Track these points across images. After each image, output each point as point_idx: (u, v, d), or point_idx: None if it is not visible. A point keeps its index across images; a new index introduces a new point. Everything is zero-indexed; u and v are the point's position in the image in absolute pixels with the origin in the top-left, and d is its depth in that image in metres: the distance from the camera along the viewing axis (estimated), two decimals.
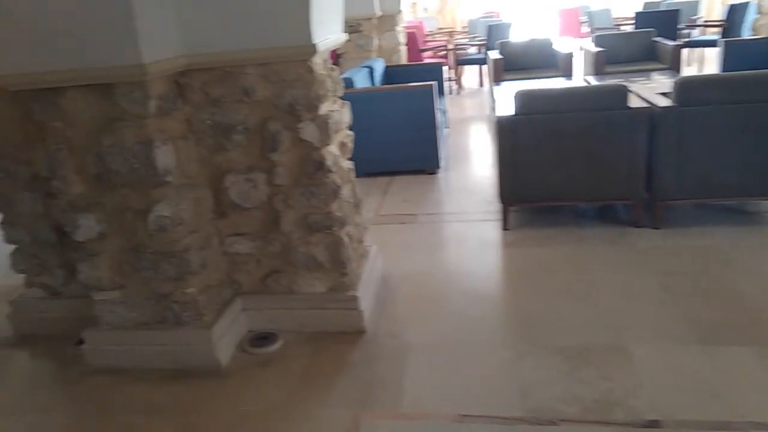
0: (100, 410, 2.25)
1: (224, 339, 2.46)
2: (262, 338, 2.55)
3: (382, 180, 4.71)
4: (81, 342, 2.52)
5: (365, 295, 2.66)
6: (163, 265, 2.34)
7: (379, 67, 5.70)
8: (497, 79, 6.08)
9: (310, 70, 2.29)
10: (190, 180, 2.39)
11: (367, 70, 5.30)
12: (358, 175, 2.84)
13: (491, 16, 11.29)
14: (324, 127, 2.38)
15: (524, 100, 3.31)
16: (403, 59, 7.58)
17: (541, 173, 3.36)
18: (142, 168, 2.20)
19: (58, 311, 2.79)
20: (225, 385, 2.30)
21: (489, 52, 6.81)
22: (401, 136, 4.66)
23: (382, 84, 5.67)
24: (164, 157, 2.22)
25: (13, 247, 2.77)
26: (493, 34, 8.00)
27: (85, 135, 2.22)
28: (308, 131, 2.37)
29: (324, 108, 2.41)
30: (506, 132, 3.33)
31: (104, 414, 2.22)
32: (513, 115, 3.32)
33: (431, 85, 4.54)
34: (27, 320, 2.84)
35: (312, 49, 2.23)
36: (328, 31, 2.44)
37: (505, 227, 3.53)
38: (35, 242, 2.73)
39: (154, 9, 2.08)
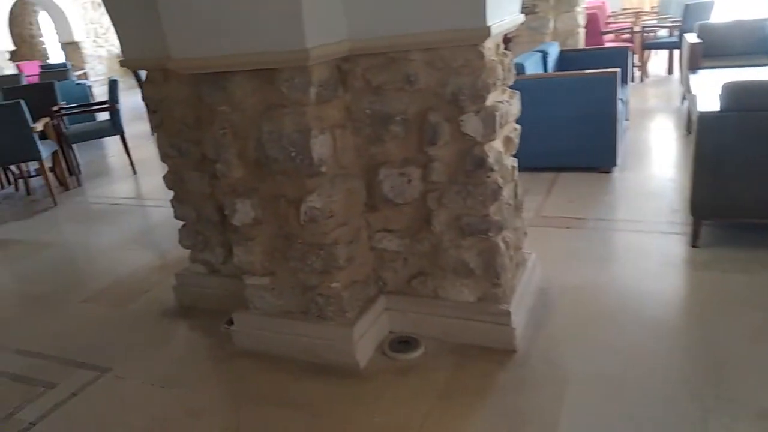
0: (238, 394, 2.27)
1: (365, 338, 2.35)
2: (404, 342, 2.40)
3: (546, 176, 4.31)
4: (231, 322, 2.57)
5: (519, 309, 2.38)
6: (310, 257, 2.28)
7: (553, 51, 5.23)
8: (694, 66, 5.26)
9: (481, 56, 2.05)
10: (344, 170, 2.29)
11: (539, 54, 4.88)
12: (519, 170, 2.55)
13: None
14: (489, 120, 2.13)
15: (735, 93, 2.73)
16: (581, 43, 6.94)
17: (751, 183, 2.77)
18: (298, 156, 2.14)
19: (215, 287, 2.91)
20: (361, 389, 2.19)
21: (685, 35, 5.93)
22: (573, 128, 4.20)
23: (556, 70, 5.19)
24: (320, 146, 2.13)
25: (181, 222, 2.92)
26: (691, 14, 6.99)
27: (248, 120, 2.21)
28: (471, 124, 2.14)
29: (491, 99, 2.16)
30: (709, 131, 2.79)
31: (241, 399, 2.23)
32: (719, 112, 2.76)
33: (615, 72, 4.01)
34: (188, 293, 3.00)
35: (485, 33, 1.98)
36: (504, 12, 2.16)
37: (695, 244, 2.99)
38: (200, 220, 2.85)
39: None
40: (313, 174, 2.16)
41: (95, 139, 6.05)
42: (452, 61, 2.08)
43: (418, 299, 2.44)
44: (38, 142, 4.85)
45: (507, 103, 2.30)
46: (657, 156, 4.73)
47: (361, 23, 2.12)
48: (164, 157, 2.81)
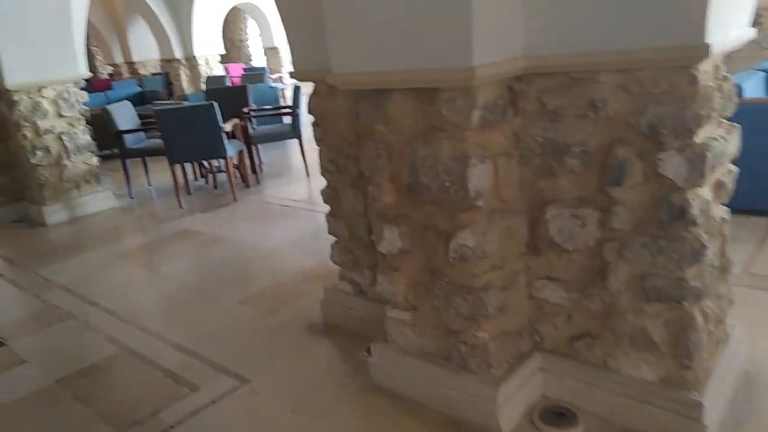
0: None
1: (512, 401, 2.03)
2: (558, 414, 2.03)
3: (760, 222, 3.53)
4: (369, 351, 2.42)
5: (715, 400, 1.88)
6: (456, 299, 2.02)
7: None
8: None
9: (692, 81, 1.62)
10: (505, 205, 2.00)
11: (762, 75, 4.05)
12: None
13: None
14: (697, 161, 1.68)
15: None
16: None
17: None
18: (452, 187, 1.89)
19: (360, 310, 2.79)
20: None
21: None
22: None
23: None
24: (479, 178, 1.87)
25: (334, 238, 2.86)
26: None
27: (404, 142, 2.02)
28: (672, 164, 1.71)
29: (702, 134, 1.71)
30: None
31: None
32: None
33: None
34: (334, 311, 2.93)
35: (702, 52, 1.55)
36: (729, 25, 1.70)
37: None
38: (351, 238, 2.75)
39: (497, 3, 1.72)
40: (468, 207, 1.90)
41: (277, 141, 6.41)
42: (653, 86, 1.68)
43: (581, 365, 2.05)
44: (226, 142, 5.24)
45: (722, 140, 1.82)
46: None
47: (540, 38, 1.82)
48: (323, 171, 2.76)
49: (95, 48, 16.06)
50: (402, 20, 1.82)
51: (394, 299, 2.25)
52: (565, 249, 1.99)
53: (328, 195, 2.79)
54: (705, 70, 1.66)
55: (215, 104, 5.09)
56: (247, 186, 5.93)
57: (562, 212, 1.96)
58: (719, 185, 1.92)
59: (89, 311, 3.44)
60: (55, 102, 5.32)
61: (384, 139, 2.08)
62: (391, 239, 2.16)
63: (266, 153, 7.05)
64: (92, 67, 16.52)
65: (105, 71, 15.88)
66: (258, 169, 6.37)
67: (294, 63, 2.64)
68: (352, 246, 2.77)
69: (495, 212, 1.97)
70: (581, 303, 2.02)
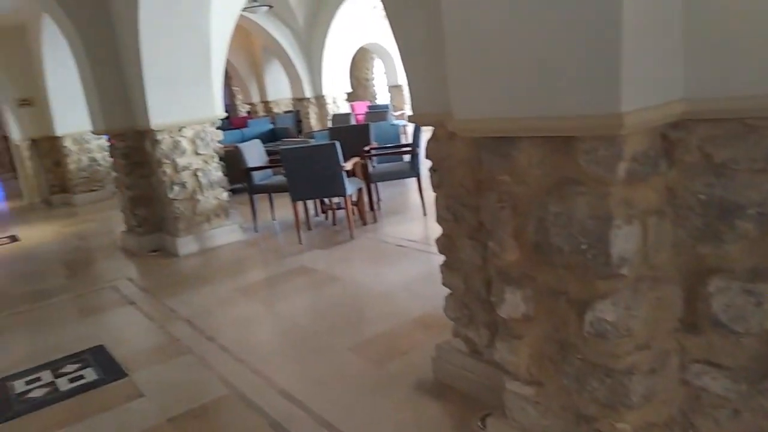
0: None
1: None
2: None
3: None
4: (486, 419, 2.16)
5: None
6: (592, 381, 1.72)
7: None
8: None
9: None
10: (654, 272, 1.68)
11: None
12: None
13: None
14: None
15: None
16: None
17: None
18: (590, 250, 1.62)
19: (475, 372, 2.54)
20: None
21: None
22: None
23: None
24: (624, 241, 1.58)
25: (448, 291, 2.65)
26: None
27: (531, 195, 1.78)
28: None
29: None
30: None
31: None
32: None
33: None
34: (446, 370, 2.69)
35: None
36: None
37: None
38: (468, 292, 2.52)
39: (651, 39, 1.45)
40: (609, 276, 1.61)
41: (395, 179, 6.37)
42: None
43: None
44: (346, 180, 5.26)
45: None
46: None
47: (705, 76, 1.52)
48: (439, 219, 2.58)
49: (236, 88, 17.46)
50: (534, 61, 1.61)
51: (514, 370, 1.98)
52: (733, 330, 1.61)
53: (443, 244, 2.60)
54: None
55: (337, 144, 5.14)
56: (365, 224, 5.91)
57: (730, 286, 1.60)
58: None
59: (206, 347, 3.50)
60: (192, 141, 5.69)
61: (508, 190, 1.86)
62: (513, 303, 1.91)
63: (385, 191, 7.04)
64: (233, 106, 18.01)
65: (243, 109, 17.16)
66: (376, 207, 6.35)
67: (413, 106, 2.51)
68: (469, 301, 2.54)
69: (642, 281, 1.66)
70: (753, 398, 1.63)
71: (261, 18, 10.97)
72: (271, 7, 10.33)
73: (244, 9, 9.25)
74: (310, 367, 3.09)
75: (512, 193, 1.85)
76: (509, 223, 1.87)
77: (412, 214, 6.21)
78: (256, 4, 9.73)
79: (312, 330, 3.61)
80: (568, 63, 1.53)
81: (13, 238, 7.89)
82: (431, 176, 2.58)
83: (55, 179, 10.30)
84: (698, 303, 1.68)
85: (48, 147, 10.14)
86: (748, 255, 1.57)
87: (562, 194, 1.67)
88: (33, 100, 9.96)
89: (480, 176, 2.18)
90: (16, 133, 10.41)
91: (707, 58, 1.50)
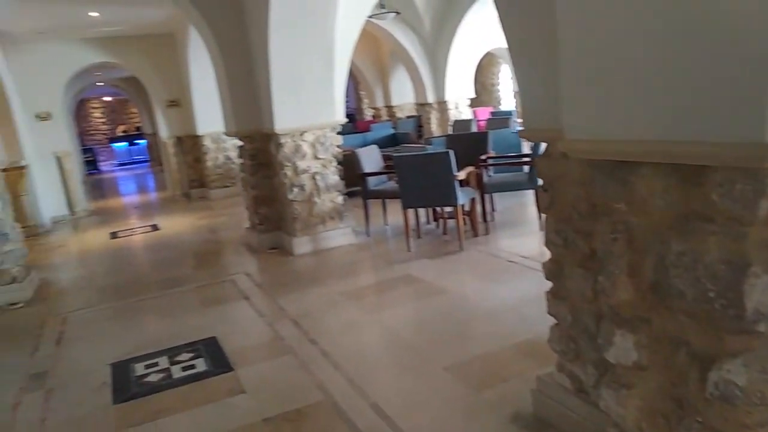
0: None
1: None
2: None
3: None
4: None
5: None
6: None
7: None
8: None
9: None
10: None
11: None
12: None
13: None
14: None
15: None
16: None
17: None
18: (719, 299, 1.38)
19: (579, 412, 2.31)
20: None
21: None
22: None
23: None
24: (761, 293, 1.32)
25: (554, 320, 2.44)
26: None
27: (651, 229, 1.57)
28: None
29: None
30: None
31: None
32: None
33: None
34: (547, 405, 2.49)
35: None
36: None
37: None
38: (575, 325, 2.31)
39: None
40: (741, 331, 1.36)
41: (511, 191, 6.13)
42: None
43: None
44: (457, 190, 5.14)
45: None
46: None
47: None
48: (548, 243, 2.39)
49: (363, 93, 17.94)
50: (664, 76, 1.40)
51: (622, 423, 1.76)
52: None
53: (551, 270, 2.40)
54: None
55: (450, 153, 5.04)
56: (476, 235, 5.74)
57: None
58: None
59: (308, 350, 3.57)
60: (313, 145, 5.88)
61: (624, 220, 1.65)
62: (623, 348, 1.69)
63: (501, 201, 6.80)
64: (359, 110, 18.52)
65: (369, 114, 17.58)
66: (489, 219, 6.15)
67: (525, 119, 2.35)
68: (576, 334, 2.32)
69: None
70: None
71: (389, 24, 11.13)
72: (398, 13, 10.45)
73: (372, 15, 9.45)
74: (406, 383, 3.02)
75: (629, 223, 1.64)
76: (623, 257, 1.66)
77: (528, 228, 5.93)
78: (384, 10, 9.88)
79: (412, 343, 3.54)
80: (706, 80, 1.31)
81: (155, 227, 8.70)
82: (542, 197, 2.40)
83: (194, 174, 11.23)
84: None
85: (190, 145, 11.10)
86: None
87: (689, 231, 1.44)
88: (179, 102, 10.95)
89: (594, 200, 1.98)
90: (164, 131, 11.51)
91: None
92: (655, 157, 1.48)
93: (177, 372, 3.46)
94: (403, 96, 15.01)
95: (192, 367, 3.49)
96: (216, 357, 3.60)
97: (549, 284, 2.45)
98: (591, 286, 2.16)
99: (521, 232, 5.82)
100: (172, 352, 3.76)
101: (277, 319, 4.20)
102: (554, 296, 2.41)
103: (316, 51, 5.62)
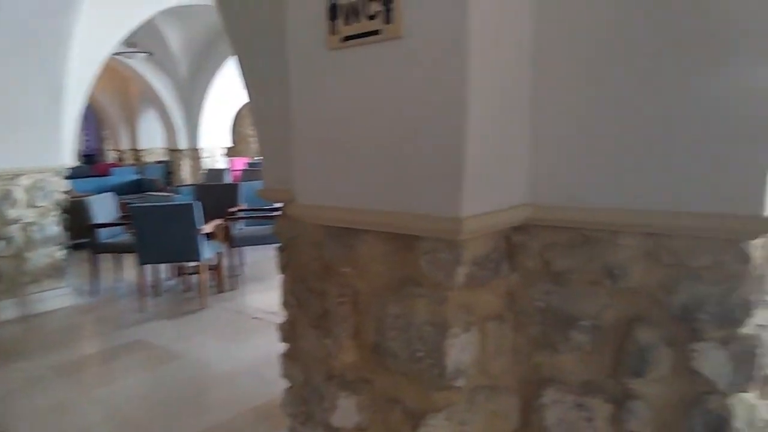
0: None
1: None
2: None
3: None
4: None
5: None
6: None
7: None
8: None
9: (743, 258, 1.26)
10: (492, 381, 1.57)
11: None
12: None
13: None
14: (746, 359, 1.29)
15: None
16: None
17: None
18: (426, 359, 1.48)
19: None
20: None
21: None
22: None
23: None
24: (460, 350, 1.46)
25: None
26: None
27: (374, 292, 1.63)
28: (710, 361, 1.31)
29: (753, 323, 1.32)
30: None
31: None
32: None
33: None
34: None
35: (760, 226, 1.20)
36: None
37: None
38: (307, 386, 2.28)
39: (497, 143, 1.40)
40: (443, 387, 1.47)
41: (261, 244, 6.07)
42: (690, 258, 1.32)
43: None
44: (202, 244, 4.88)
45: None
46: None
47: (548, 185, 1.48)
48: (284, 303, 2.36)
49: (106, 132, 16.30)
50: (380, 150, 1.49)
51: None
52: None
53: (286, 331, 2.37)
54: (758, 244, 1.30)
55: (196, 204, 4.79)
56: (222, 291, 5.50)
57: (564, 398, 1.53)
58: (767, 382, 1.50)
59: None
60: (29, 191, 5.02)
61: (350, 283, 1.70)
62: (346, 410, 1.71)
63: (251, 255, 6.67)
64: (101, 152, 16.72)
65: (112, 156, 16.00)
66: (237, 273, 5.97)
67: (263, 179, 2.32)
68: (307, 396, 2.29)
69: (479, 391, 1.54)
70: None
71: (139, 63, 10.42)
72: (151, 54, 9.88)
73: (120, 53, 8.74)
74: None
75: (354, 287, 1.69)
76: (348, 320, 1.70)
77: (276, 282, 5.87)
78: (133, 49, 9.23)
79: (138, 421, 3.13)
80: (414, 158, 1.43)
81: None
82: (279, 256, 2.37)
83: None
84: (532, 415, 1.59)
85: None
86: (581, 367, 1.51)
87: (403, 295, 1.54)
88: None
89: (326, 262, 2.02)
90: None
91: (550, 167, 1.48)
92: (374, 226, 1.56)
93: None
94: (152, 140, 14.07)
95: None
96: None
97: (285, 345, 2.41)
98: (324, 346, 2.17)
99: (269, 287, 5.74)
100: None
101: None
102: (288, 358, 2.36)
103: (41, 86, 4.89)
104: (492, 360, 1.56)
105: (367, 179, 1.53)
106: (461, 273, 1.44)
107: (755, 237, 1.23)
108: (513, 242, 1.57)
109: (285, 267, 2.32)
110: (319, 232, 2.06)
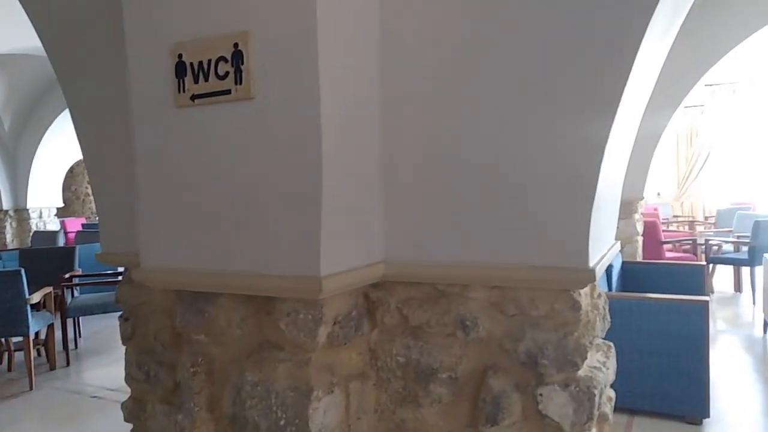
0: None
1: None
2: None
3: (618, 419, 3.40)
4: None
5: None
6: None
7: (617, 264, 4.62)
8: None
9: (574, 306, 1.39)
10: None
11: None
12: None
13: (745, 207, 9.48)
14: (584, 399, 1.40)
15: None
16: (639, 252, 6.36)
17: None
18: (289, 426, 1.42)
19: None
20: None
21: (766, 256, 5.25)
22: (653, 364, 3.42)
23: (620, 289, 4.53)
24: (324, 414, 1.42)
25: None
26: (763, 231, 6.42)
27: (230, 359, 1.54)
28: (554, 403, 1.41)
29: (586, 365, 1.45)
30: None
31: None
32: None
33: (705, 301, 3.31)
34: None
35: (586, 276, 1.34)
36: (603, 244, 1.56)
37: None
38: None
39: (353, 202, 1.43)
40: None
41: (99, 313, 5.49)
42: (531, 308, 1.43)
43: None
44: (29, 316, 4.30)
45: (604, 368, 1.58)
46: (756, 403, 3.79)
47: (400, 241, 1.54)
48: (128, 379, 2.13)
49: None
50: (230, 211, 1.44)
51: None
52: None
53: (130, 410, 2.14)
54: (585, 292, 1.45)
55: (21, 272, 4.24)
56: (53, 368, 4.85)
57: None
58: (603, 419, 1.65)
59: None
60: None
61: (205, 351, 1.59)
62: None
63: (90, 325, 6.02)
64: None
65: None
66: (72, 346, 5.32)
67: (102, 242, 2.13)
68: None
69: None
70: None
71: None
72: None
73: None
74: None
75: (209, 355, 1.59)
76: (203, 392, 1.58)
77: (119, 354, 5.33)
78: None
79: None
80: (271, 217, 1.40)
81: None
82: (123, 326, 2.16)
83: None
84: None
85: None
86: (442, 419, 1.54)
87: (262, 360, 1.47)
88: None
89: (178, 330, 1.87)
90: None
91: (402, 224, 1.53)
92: (229, 288, 1.49)
93: None
94: None
95: None
96: None
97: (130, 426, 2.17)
98: (173, 425, 1.99)
99: (111, 360, 5.20)
100: None
101: None
102: None
103: None
104: (356, 421, 1.54)
105: (220, 239, 1.47)
106: (323, 333, 1.42)
107: (583, 286, 1.38)
108: (372, 299, 1.59)
109: (129, 337, 2.12)
110: (168, 297, 1.93)
